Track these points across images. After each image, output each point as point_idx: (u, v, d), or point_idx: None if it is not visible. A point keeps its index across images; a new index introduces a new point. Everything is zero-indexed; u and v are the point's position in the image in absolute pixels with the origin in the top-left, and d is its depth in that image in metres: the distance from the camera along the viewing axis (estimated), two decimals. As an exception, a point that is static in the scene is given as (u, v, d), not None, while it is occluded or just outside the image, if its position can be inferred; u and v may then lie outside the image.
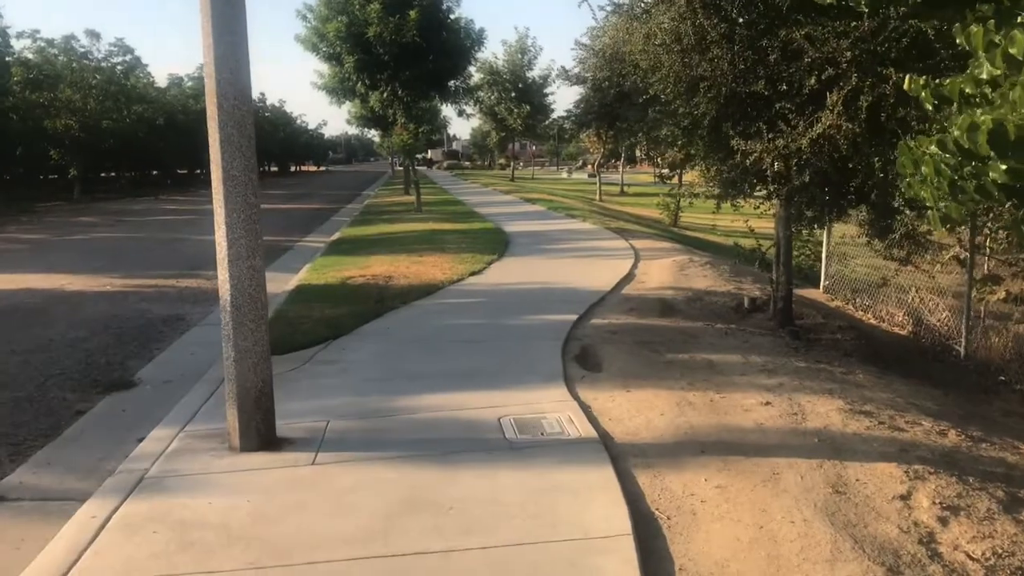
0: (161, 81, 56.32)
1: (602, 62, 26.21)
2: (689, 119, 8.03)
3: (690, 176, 9.62)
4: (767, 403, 5.76)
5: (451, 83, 29.29)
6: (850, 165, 7.42)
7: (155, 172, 51.08)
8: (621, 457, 4.86)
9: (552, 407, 5.78)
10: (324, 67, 28.93)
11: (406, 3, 24.06)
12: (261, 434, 5.13)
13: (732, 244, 25.74)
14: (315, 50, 25.30)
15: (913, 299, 9.99)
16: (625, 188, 54.49)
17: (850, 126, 7.04)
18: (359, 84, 25.90)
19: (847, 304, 11.77)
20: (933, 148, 3.45)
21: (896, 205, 7.92)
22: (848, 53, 7.00)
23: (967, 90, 3.52)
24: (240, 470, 4.87)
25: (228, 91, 4.90)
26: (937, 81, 3.73)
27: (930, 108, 3.69)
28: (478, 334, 8.32)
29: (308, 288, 11.54)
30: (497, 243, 15.99)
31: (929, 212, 3.73)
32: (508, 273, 12.44)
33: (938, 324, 9.74)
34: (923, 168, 3.45)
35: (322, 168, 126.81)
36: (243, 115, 4.93)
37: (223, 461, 5.01)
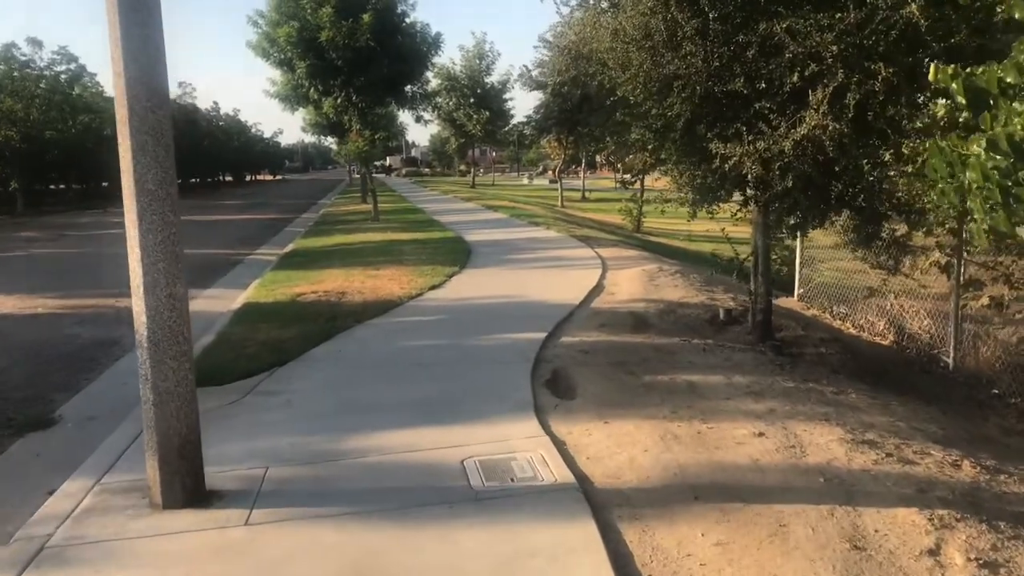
0: (110, 91, 54.74)
1: (567, 60, 25.78)
2: (662, 121, 7.44)
3: (661, 182, 9.03)
4: (760, 434, 5.18)
5: (408, 88, 28.58)
6: (836, 168, 6.89)
7: (105, 184, 49.47)
8: (604, 507, 4.23)
9: (523, 444, 5.14)
10: (276, 74, 28.15)
11: (359, 7, 23.31)
12: (187, 488, 4.42)
13: (707, 252, 25.39)
14: (266, 56, 24.43)
15: (893, 307, 9.51)
16: (586, 194, 54.16)
17: (836, 126, 6.51)
18: (312, 90, 25.08)
19: (824, 313, 11.29)
20: (977, 149, 2.87)
21: (882, 210, 7.44)
22: (833, 47, 6.47)
23: (1009, 79, 2.95)
24: (160, 534, 4.16)
25: (140, 92, 4.20)
26: (968, 70, 3.16)
27: (962, 102, 3.12)
28: (439, 356, 7.65)
29: (255, 307, 10.77)
30: (459, 253, 15.33)
31: (971, 224, 3.15)
32: (471, 286, 11.79)
33: (922, 333, 9.28)
34: (968, 173, 2.87)
35: (278, 177, 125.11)
36: (159, 120, 4.24)
37: (141, 523, 4.29)
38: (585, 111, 41.48)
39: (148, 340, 4.32)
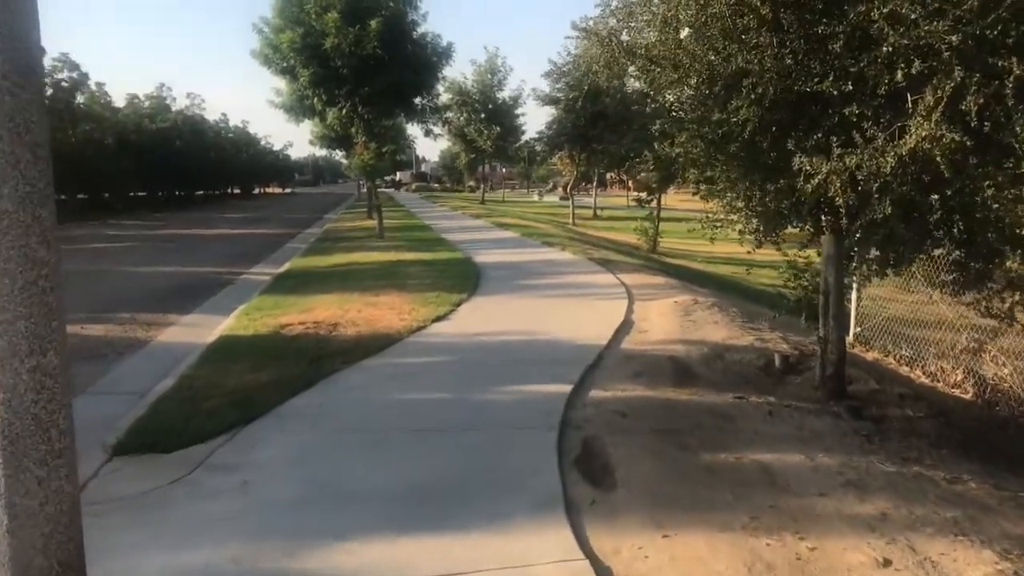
0: (120, 101, 54.02)
1: (587, 70, 24.29)
2: (723, 129, 5.99)
3: (711, 205, 7.53)
4: (885, 562, 3.71)
5: (417, 101, 27.29)
6: (947, 191, 5.44)
7: (107, 195, 48.37)
8: None
9: (552, 573, 3.68)
10: (282, 83, 26.91)
11: (367, 13, 22.01)
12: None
13: (732, 276, 23.97)
14: (268, 64, 23.13)
15: (990, 361, 8.01)
16: (598, 212, 52.87)
17: (954, 138, 5.07)
18: (316, 100, 23.76)
19: (886, 356, 9.80)
20: None
21: (998, 244, 5.96)
22: (951, 38, 5.04)
23: None
24: None
25: (-2, 66, 2.78)
26: None
27: None
28: (440, 418, 6.19)
29: (231, 341, 9.34)
30: (467, 277, 13.90)
31: None
32: (480, 318, 10.35)
33: (1016, 388, 7.79)
34: None
35: (288, 190, 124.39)
36: (21, 106, 2.82)
37: None
38: (600, 127, 40.28)
39: (2, 435, 2.89)
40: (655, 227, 30.96)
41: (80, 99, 42.51)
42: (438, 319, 10.22)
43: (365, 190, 39.21)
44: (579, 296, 11.88)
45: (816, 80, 5.66)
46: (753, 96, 5.71)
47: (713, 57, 5.75)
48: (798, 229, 6.83)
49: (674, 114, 7.00)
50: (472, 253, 18.35)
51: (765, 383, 7.45)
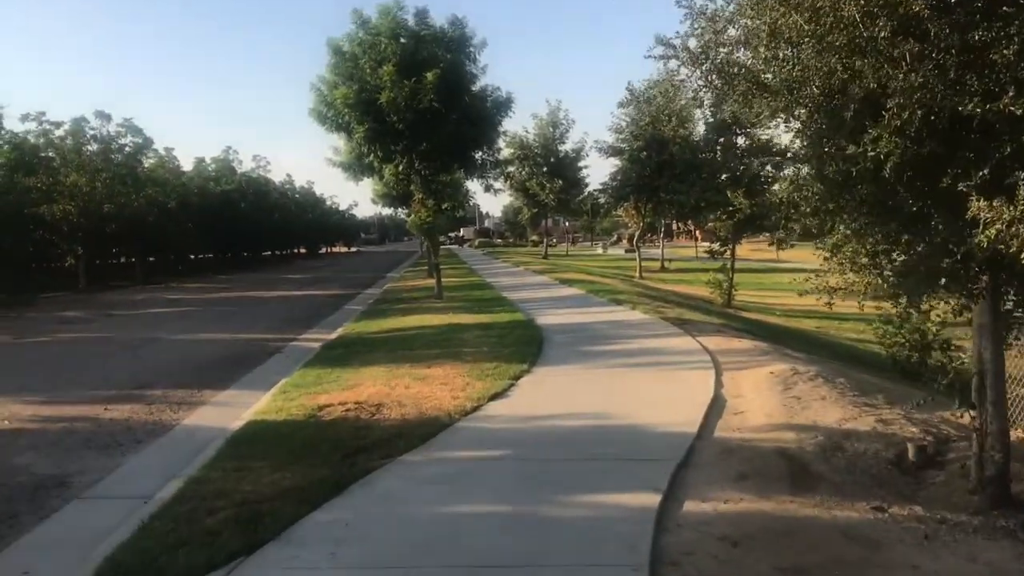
0: (187, 165, 54.96)
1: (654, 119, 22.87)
2: (856, 166, 4.60)
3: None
4: None
5: (477, 155, 26.41)
6: None
7: (172, 257, 48.66)
8: None
9: None
10: (340, 142, 26.30)
11: (423, 65, 21.20)
12: None
13: (818, 332, 22.17)
14: (323, 121, 22.39)
15: None
16: (666, 263, 51.30)
17: None
18: (372, 157, 22.95)
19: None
20: None
21: None
22: None
23: None
24: None
25: None
26: None
27: None
28: (494, 546, 4.81)
29: (260, 428, 8.14)
30: (528, 343, 12.58)
31: None
32: (544, 395, 8.99)
33: None
34: None
35: (353, 249, 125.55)
36: None
37: None
38: (666, 176, 38.96)
39: None
40: (729, 280, 29.35)
41: (146, 163, 42.99)
42: (495, 396, 8.89)
43: (426, 248, 38.46)
44: (656, 365, 10.42)
45: (977, 99, 4.27)
46: (897, 123, 4.33)
47: (840, 71, 4.39)
48: (952, 295, 5.32)
49: (779, 148, 5.63)
50: (534, 314, 17.06)
51: (902, 484, 5.92)
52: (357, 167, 26.67)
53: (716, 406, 8.04)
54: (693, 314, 17.34)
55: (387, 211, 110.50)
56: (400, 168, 22.90)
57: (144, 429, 9.04)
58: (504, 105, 23.14)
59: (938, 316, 16.60)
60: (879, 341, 17.43)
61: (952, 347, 16.25)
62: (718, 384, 9.00)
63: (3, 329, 20.44)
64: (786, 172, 5.95)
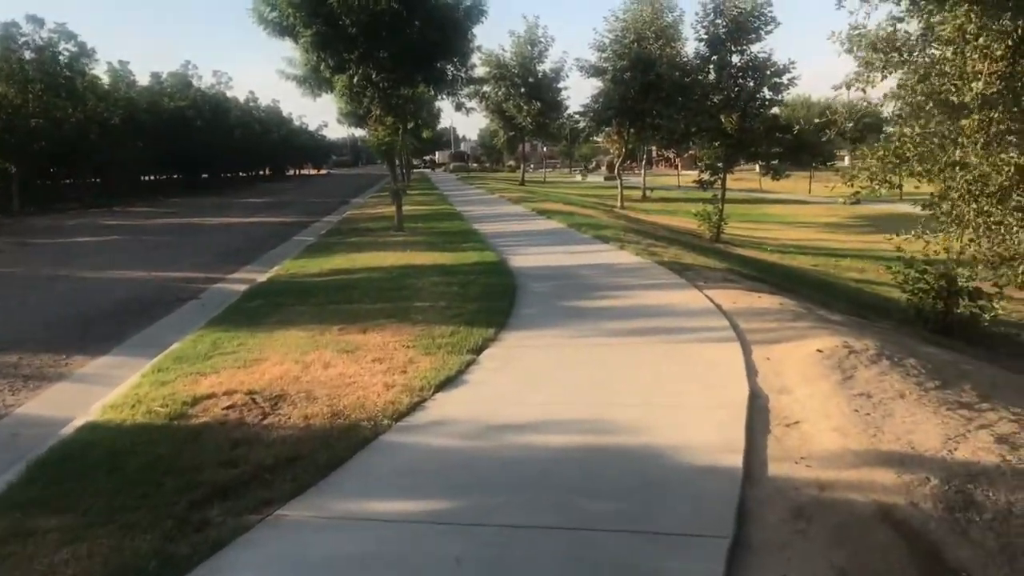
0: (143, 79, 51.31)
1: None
2: None
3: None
4: None
5: (446, 68, 23.46)
6: None
7: (120, 178, 45.15)
8: None
9: None
10: (295, 52, 23.16)
11: (380, -41, 18.11)
12: None
13: (822, 271, 19.88)
14: (264, 23, 19.28)
15: None
16: (647, 192, 48.73)
17: None
18: (322, 66, 19.91)
19: None
20: None
21: None
22: None
23: None
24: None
25: None
26: None
27: None
28: None
29: (95, 437, 5.57)
30: (498, 295, 10.06)
31: None
32: (512, 385, 6.48)
33: None
34: None
35: (323, 171, 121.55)
36: None
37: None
38: (652, 99, 36.02)
39: None
40: (720, 213, 26.95)
41: (95, 75, 39.31)
42: (445, 384, 6.40)
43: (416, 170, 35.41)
44: (663, 334, 7.90)
45: None
46: None
47: None
48: None
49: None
50: (507, 253, 14.49)
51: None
52: (313, 80, 23.64)
53: (758, 409, 5.58)
54: (691, 256, 14.85)
55: (360, 131, 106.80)
56: (355, 80, 19.90)
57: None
58: (474, 8, 20.06)
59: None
60: (897, 285, 15.17)
61: (983, 295, 14.00)
62: (750, 368, 6.54)
63: None
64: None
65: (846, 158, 75.49)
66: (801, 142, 33.88)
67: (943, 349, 8.95)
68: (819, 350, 6.91)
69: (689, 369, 6.54)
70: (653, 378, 6.36)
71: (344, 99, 21.74)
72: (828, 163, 46.83)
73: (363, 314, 9.20)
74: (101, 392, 6.97)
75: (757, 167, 39.42)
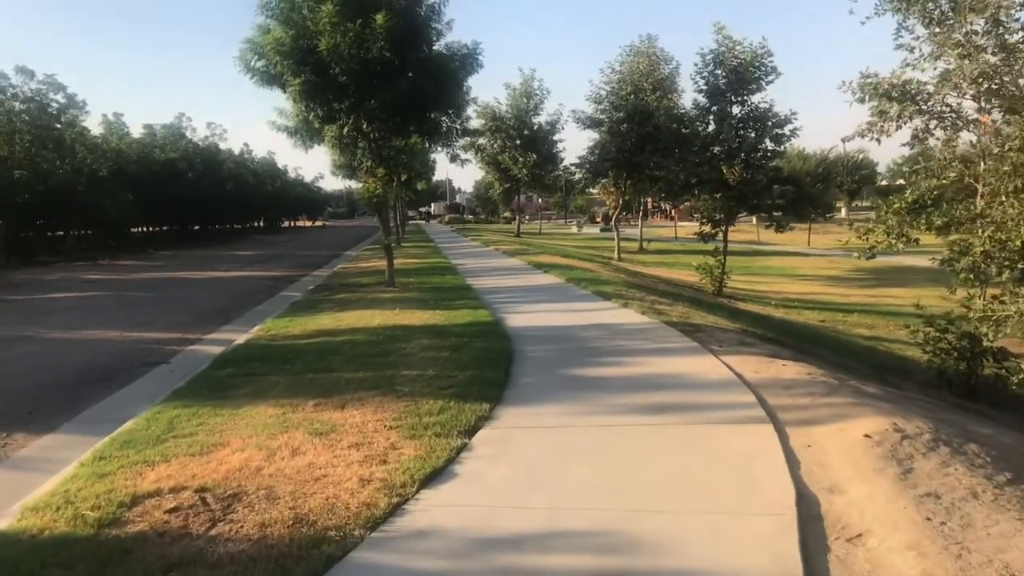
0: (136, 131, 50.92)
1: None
2: None
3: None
4: None
5: (441, 120, 22.82)
6: None
7: (108, 230, 44.33)
8: None
9: None
10: (288, 103, 22.46)
11: (370, 6, 17.46)
12: None
13: (843, 329, 18.98)
14: (251, 72, 18.55)
15: None
16: (644, 244, 48.02)
17: None
18: (311, 116, 19.18)
19: None
20: None
21: None
22: None
23: None
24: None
25: None
26: None
27: None
28: None
29: (-1, 556, 4.60)
30: (493, 362, 9.09)
31: None
32: (510, 480, 5.48)
33: None
34: None
35: (318, 223, 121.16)
36: None
37: None
38: (648, 151, 35.47)
39: None
40: (721, 266, 26.16)
41: (85, 127, 38.73)
42: (432, 477, 5.42)
43: (419, 221, 34.50)
44: (682, 415, 6.91)
45: None
46: None
47: None
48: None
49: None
50: (503, 311, 13.58)
51: None
52: (304, 132, 22.96)
53: (810, 517, 4.61)
54: (699, 314, 13.94)
55: (356, 183, 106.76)
56: (345, 131, 19.16)
57: None
58: (468, 58, 19.38)
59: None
60: (917, 344, 14.31)
61: (1010, 356, 13.13)
62: (791, 459, 5.57)
63: None
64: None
65: (843, 210, 75.40)
66: (803, 194, 33.25)
67: (997, 426, 8.01)
68: (867, 435, 5.96)
69: (719, 461, 5.57)
70: (678, 473, 5.38)
71: (336, 150, 21.02)
72: (828, 215, 46.29)
73: (343, 385, 8.23)
74: (34, 482, 6.00)
75: (754, 219, 38.84)
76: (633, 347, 10.14)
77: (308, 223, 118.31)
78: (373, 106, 18.49)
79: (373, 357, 9.70)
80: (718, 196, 27.17)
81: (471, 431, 6.49)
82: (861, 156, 71.12)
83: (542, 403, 7.39)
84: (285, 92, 18.52)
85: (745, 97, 26.84)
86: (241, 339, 12.48)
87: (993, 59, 13.06)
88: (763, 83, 26.44)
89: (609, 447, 6.00)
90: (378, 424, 6.73)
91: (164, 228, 57.69)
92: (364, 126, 18.91)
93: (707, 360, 9.03)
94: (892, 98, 14.15)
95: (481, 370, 8.65)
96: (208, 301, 19.43)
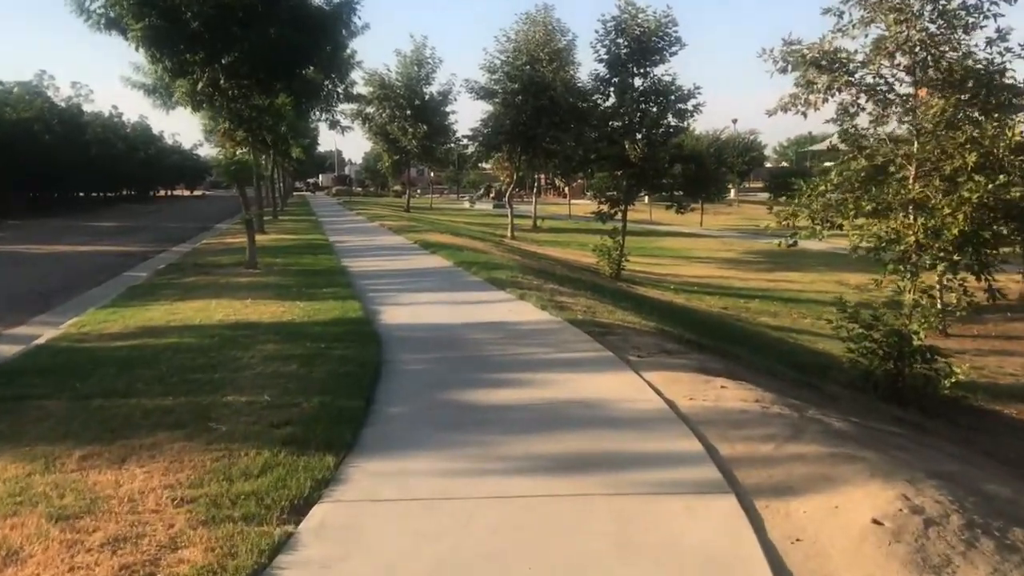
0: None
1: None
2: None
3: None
4: None
5: (319, 79, 20.21)
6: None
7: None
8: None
9: None
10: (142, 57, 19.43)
11: (229, -60, 14.82)
12: None
13: (755, 323, 17.72)
14: (84, 13, 15.63)
15: None
16: (538, 222, 46.37)
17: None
18: (159, 69, 16.40)
19: None
20: None
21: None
22: None
23: None
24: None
25: None
26: None
27: None
28: None
29: None
30: (352, 383, 6.94)
31: None
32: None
33: None
34: None
35: (197, 193, 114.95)
36: None
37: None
38: (545, 124, 33.66)
39: None
40: (620, 248, 24.65)
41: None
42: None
43: (304, 191, 31.37)
44: (609, 476, 4.90)
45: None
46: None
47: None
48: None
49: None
50: (378, 302, 11.43)
51: None
52: (164, 90, 20.10)
53: None
54: (605, 308, 12.11)
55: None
56: (199, 86, 16.45)
57: None
58: (346, 6, 16.92)
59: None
60: (839, 338, 13.00)
61: (938, 356, 11.95)
62: (777, 569, 3.68)
63: None
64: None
65: (732, 191, 75.78)
66: (705, 173, 32.14)
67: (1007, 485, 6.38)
68: (876, 521, 4.12)
69: (673, 572, 3.61)
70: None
71: (190, 108, 18.24)
72: (723, 196, 45.76)
73: (138, 419, 5.93)
74: None
75: (647, 199, 37.67)
76: (535, 357, 8.15)
77: (187, 193, 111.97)
78: (231, 59, 15.86)
79: (195, 372, 7.38)
80: (619, 174, 25.58)
81: (303, 507, 4.36)
82: (752, 138, 71.46)
83: (414, 451, 5.30)
84: (127, 39, 15.63)
85: (648, 69, 25.27)
86: (44, 337, 9.89)
87: (931, 27, 11.82)
88: (667, 54, 24.93)
89: (513, 544, 3.96)
90: (164, 496, 4.50)
91: (17, 195, 52.45)
92: (221, 81, 16.23)
93: (626, 377, 7.12)
94: (820, 67, 12.71)
95: (335, 395, 6.49)
96: (32, 283, 16.46)
